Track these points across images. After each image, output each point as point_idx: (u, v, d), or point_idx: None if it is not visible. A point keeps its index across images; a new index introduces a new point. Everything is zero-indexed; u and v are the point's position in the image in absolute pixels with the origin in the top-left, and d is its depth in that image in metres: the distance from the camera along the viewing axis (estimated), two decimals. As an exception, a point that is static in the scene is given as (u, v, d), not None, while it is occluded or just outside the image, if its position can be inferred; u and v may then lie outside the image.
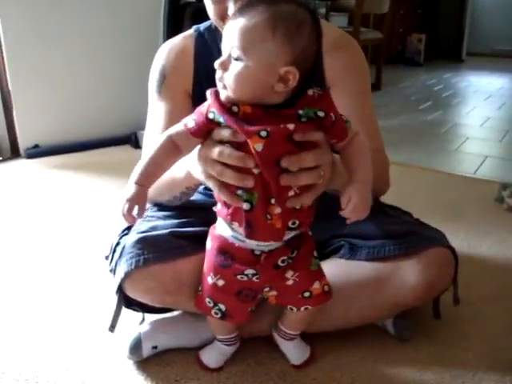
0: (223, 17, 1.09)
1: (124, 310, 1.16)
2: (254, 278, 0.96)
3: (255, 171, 0.84)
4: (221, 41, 1.12)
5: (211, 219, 1.07)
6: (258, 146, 0.81)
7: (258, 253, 0.95)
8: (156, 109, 1.27)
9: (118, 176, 2.31)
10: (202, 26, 1.30)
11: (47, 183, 2.30)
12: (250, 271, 0.96)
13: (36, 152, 2.66)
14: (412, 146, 2.97)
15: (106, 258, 1.21)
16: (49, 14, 2.61)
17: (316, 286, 1.02)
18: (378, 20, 4.90)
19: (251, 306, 1.04)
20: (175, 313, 1.23)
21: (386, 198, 1.38)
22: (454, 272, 1.18)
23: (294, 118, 0.82)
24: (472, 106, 4.25)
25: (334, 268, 1.14)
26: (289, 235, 0.94)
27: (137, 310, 1.20)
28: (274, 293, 1.02)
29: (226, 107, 0.83)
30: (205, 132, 0.87)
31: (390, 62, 5.87)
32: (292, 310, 1.05)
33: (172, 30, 2.67)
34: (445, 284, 1.18)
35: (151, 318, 1.22)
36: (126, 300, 1.14)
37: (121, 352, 1.17)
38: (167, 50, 1.29)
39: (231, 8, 1.06)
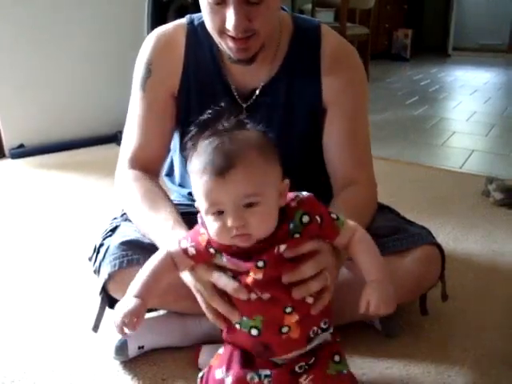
0: (221, 31, 1.05)
1: (109, 310, 1.15)
2: (266, 381, 0.89)
3: (252, 298, 0.84)
4: (213, 39, 1.10)
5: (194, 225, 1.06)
6: (258, 276, 0.83)
7: (280, 363, 0.91)
8: (138, 107, 1.22)
9: (103, 175, 2.30)
10: (196, 17, 1.21)
11: (32, 183, 2.28)
12: (264, 372, 0.89)
13: (21, 152, 2.64)
14: (399, 140, 2.97)
15: (90, 259, 1.20)
16: (33, 14, 2.59)
17: None
18: (364, 15, 4.90)
19: None
20: (161, 312, 1.22)
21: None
22: (441, 268, 1.18)
23: (286, 235, 0.83)
24: (458, 100, 4.27)
25: None
26: (315, 341, 0.91)
27: (121, 311, 1.19)
28: None
29: (225, 246, 0.84)
30: (205, 260, 0.89)
31: (377, 58, 5.88)
32: None
33: (156, 27, 2.65)
34: (432, 281, 1.18)
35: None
36: (110, 300, 1.12)
37: (107, 352, 1.16)
38: (154, 40, 1.21)
39: (230, 19, 1.00)
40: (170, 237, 1.00)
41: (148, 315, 1.21)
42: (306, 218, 0.84)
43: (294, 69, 1.20)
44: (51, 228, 1.83)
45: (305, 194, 0.87)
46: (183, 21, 1.23)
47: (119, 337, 1.13)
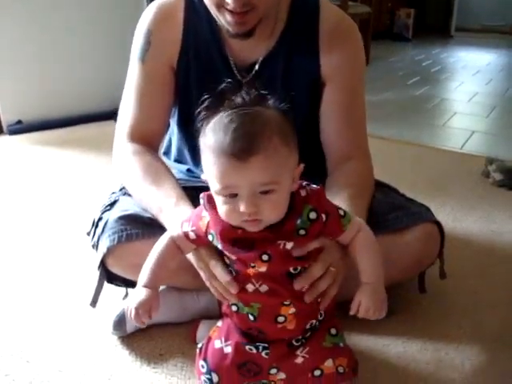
0: (220, 5, 1.03)
1: (107, 285, 1.15)
2: (264, 353, 0.90)
3: (250, 289, 0.85)
4: (210, 14, 1.09)
5: (195, 199, 1.05)
6: (262, 269, 0.82)
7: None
8: (137, 80, 1.20)
9: (102, 151, 2.28)
10: None
11: (30, 159, 2.27)
12: (262, 344, 0.89)
13: (19, 128, 2.62)
14: (399, 120, 2.96)
15: (88, 234, 1.20)
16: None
17: (328, 364, 0.90)
18: (366, -6, 4.84)
19: (249, 383, 0.93)
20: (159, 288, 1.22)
21: (374, 171, 1.37)
22: (441, 246, 1.18)
23: (292, 230, 0.82)
24: (460, 81, 4.23)
25: None
26: (308, 324, 0.91)
27: (119, 285, 1.19)
28: (282, 375, 0.91)
29: (227, 232, 0.82)
30: (204, 243, 0.89)
31: (379, 37, 5.83)
32: None
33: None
34: (431, 259, 1.18)
35: (135, 293, 1.21)
36: (108, 275, 1.13)
37: (105, 327, 1.16)
38: (154, 11, 1.19)
39: None
40: (173, 214, 1.00)
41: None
42: (313, 215, 0.83)
43: (292, 43, 1.18)
44: (50, 204, 1.82)
45: (315, 186, 0.86)
46: None
47: (117, 312, 1.13)
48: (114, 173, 1.22)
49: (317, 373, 0.90)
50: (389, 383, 1.03)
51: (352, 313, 0.87)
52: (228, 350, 0.90)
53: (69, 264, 1.44)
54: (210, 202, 0.83)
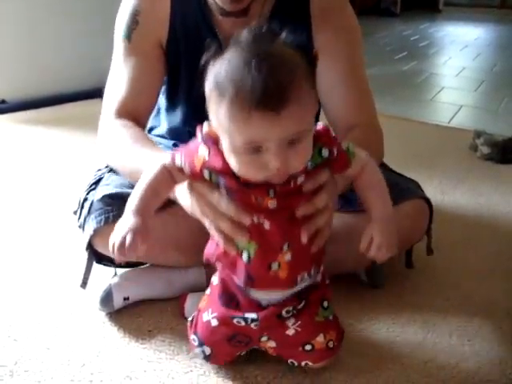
0: None
1: (96, 265, 1.14)
2: (253, 325, 0.87)
3: (254, 220, 0.79)
4: None
5: None
6: (271, 203, 0.77)
7: (264, 305, 0.88)
8: (123, 59, 1.17)
9: (88, 130, 2.25)
10: None
11: (16, 139, 2.24)
12: (251, 316, 0.87)
13: (3, 108, 2.57)
14: (387, 96, 2.95)
15: (75, 213, 1.19)
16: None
17: (319, 339, 0.90)
18: (353, -32, 4.79)
19: (241, 351, 0.94)
20: (147, 264, 1.22)
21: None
22: (429, 222, 1.18)
23: (303, 171, 0.77)
24: (448, 56, 4.23)
25: None
26: (302, 284, 0.87)
27: (108, 265, 1.18)
28: (273, 344, 0.91)
29: (229, 171, 0.76)
30: (200, 178, 0.81)
31: (365, 13, 5.78)
32: (293, 364, 0.94)
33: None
34: (419, 235, 1.18)
35: (123, 271, 1.21)
36: (96, 255, 1.12)
37: (92, 304, 1.15)
38: None
39: None
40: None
41: (133, 268, 1.20)
42: (325, 152, 0.78)
43: (282, 20, 1.15)
44: (36, 184, 1.80)
45: (320, 124, 0.81)
46: None
47: (104, 288, 1.12)
48: (99, 148, 1.20)
49: (308, 347, 0.90)
50: (377, 354, 1.04)
51: (362, 249, 0.82)
52: (215, 322, 0.89)
53: (56, 243, 1.43)
54: (210, 137, 0.77)
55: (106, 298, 1.12)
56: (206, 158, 0.78)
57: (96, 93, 2.75)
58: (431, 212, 1.18)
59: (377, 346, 1.07)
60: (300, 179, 0.77)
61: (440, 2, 7.23)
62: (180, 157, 0.81)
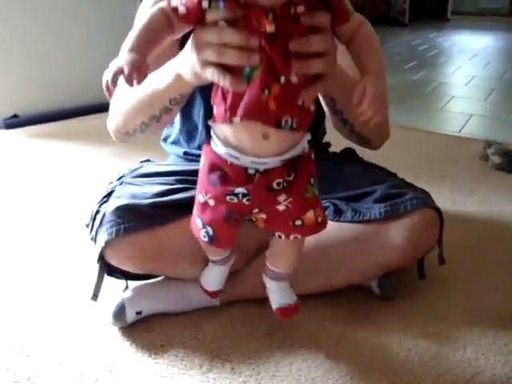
0: None
1: (107, 278, 1.15)
2: (245, 200, 0.87)
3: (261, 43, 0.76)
4: None
5: (190, 183, 1.09)
6: (270, 27, 0.74)
7: (251, 172, 0.85)
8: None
9: (99, 143, 2.28)
10: None
11: (27, 153, 2.26)
12: (240, 190, 0.86)
13: (15, 122, 2.61)
14: (397, 105, 2.94)
15: (87, 226, 1.19)
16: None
17: (309, 214, 0.91)
18: (361, -21, 4.82)
19: (238, 229, 0.95)
20: (159, 278, 1.22)
21: (372, 158, 1.37)
22: (440, 232, 1.17)
23: None
24: (457, 65, 4.22)
25: None
26: (285, 148, 0.84)
27: (120, 278, 1.19)
28: (263, 216, 0.92)
29: None
30: (196, 18, 0.77)
31: (375, 23, 5.76)
32: (280, 237, 0.94)
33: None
34: (430, 245, 1.18)
35: (135, 284, 1.21)
36: (108, 268, 1.13)
37: (105, 319, 1.16)
38: None
39: None
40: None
41: (145, 281, 1.21)
42: None
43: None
44: (48, 197, 1.81)
45: None
46: None
47: (117, 302, 1.13)
48: (111, 128, 1.20)
49: (298, 222, 0.91)
50: (390, 367, 1.03)
51: (356, 100, 0.79)
52: (211, 202, 0.90)
53: (68, 256, 1.44)
54: None
55: (119, 313, 1.12)
56: None
57: (106, 106, 2.78)
58: (442, 222, 1.17)
59: (389, 359, 1.06)
60: (300, 8, 0.75)
61: (448, 10, 7.24)
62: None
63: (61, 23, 2.70)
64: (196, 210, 0.95)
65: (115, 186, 1.20)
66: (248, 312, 1.18)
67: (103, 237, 1.07)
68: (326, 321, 1.16)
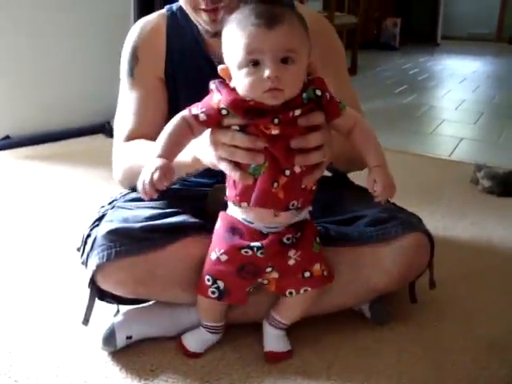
0: (195, 7, 1.13)
1: (98, 302, 1.14)
2: (259, 253, 0.99)
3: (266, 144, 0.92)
4: (192, 21, 1.18)
5: (184, 207, 1.14)
6: (275, 131, 0.90)
7: (265, 232, 0.99)
8: (129, 94, 1.27)
9: (91, 166, 2.28)
10: (175, 5, 1.28)
11: (19, 175, 2.25)
12: (256, 244, 0.98)
13: (7, 143, 2.60)
14: (388, 129, 2.97)
15: (78, 249, 1.19)
16: (18, 4, 2.55)
17: (316, 267, 1.04)
18: (353, 4, 4.89)
19: (250, 286, 1.04)
20: (150, 302, 1.21)
21: (364, 180, 1.37)
22: (430, 256, 1.18)
23: (299, 102, 0.90)
24: (447, 88, 4.27)
25: None
26: (293, 219, 1.00)
27: (111, 302, 1.18)
28: (276, 275, 1.03)
29: (240, 103, 0.90)
30: (215, 123, 0.94)
31: (366, 47, 5.87)
32: (291, 294, 1.05)
33: (143, 15, 2.63)
34: (421, 269, 1.18)
35: (126, 308, 1.20)
36: (99, 292, 1.12)
37: (95, 343, 1.15)
38: (139, 29, 1.28)
39: None
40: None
41: (136, 306, 1.20)
42: (318, 92, 0.92)
43: None
44: (40, 220, 1.81)
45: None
46: (163, 10, 1.30)
47: (107, 327, 1.12)
48: (116, 173, 1.28)
49: (307, 274, 1.03)
50: (382, 394, 1.03)
51: (371, 190, 0.95)
52: (224, 257, 1.00)
53: (58, 281, 1.42)
54: (222, 83, 0.93)
55: (109, 337, 1.11)
56: (221, 98, 0.91)
57: (99, 129, 2.79)
58: (432, 246, 1.18)
59: (382, 385, 1.05)
60: (297, 112, 0.90)
61: (438, 35, 7.34)
62: (197, 107, 0.94)
63: (53, 46, 2.71)
64: (206, 268, 1.03)
65: (107, 210, 1.20)
66: (239, 337, 1.17)
67: (94, 260, 1.07)
68: (317, 345, 1.16)
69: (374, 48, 6.36)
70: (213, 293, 1.02)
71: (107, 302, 1.17)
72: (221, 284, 1.01)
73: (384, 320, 1.23)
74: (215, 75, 1.01)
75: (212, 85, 0.94)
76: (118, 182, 1.30)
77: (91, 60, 2.83)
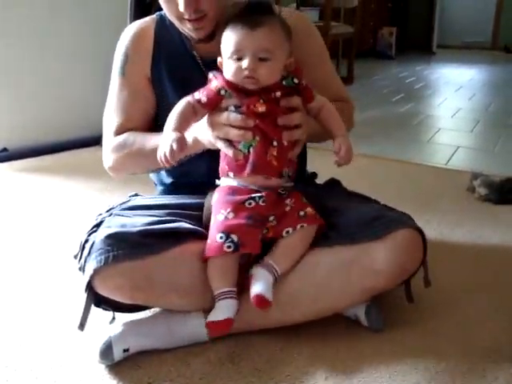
0: (179, 17, 1.18)
1: (94, 309, 1.13)
2: (261, 201, 1.12)
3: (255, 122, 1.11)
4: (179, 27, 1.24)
5: (179, 216, 1.16)
6: (262, 108, 1.10)
7: (261, 190, 1.13)
8: (118, 91, 1.33)
9: (87, 178, 2.28)
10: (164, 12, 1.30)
11: (16, 187, 2.25)
12: (257, 194, 1.12)
13: (4, 156, 2.60)
14: (385, 137, 2.98)
15: (75, 257, 1.19)
16: (12, 14, 2.56)
17: (309, 209, 1.17)
18: (349, 14, 4.91)
19: (261, 232, 1.13)
20: (147, 312, 1.21)
21: (360, 189, 1.39)
22: (423, 253, 1.18)
23: (279, 86, 1.12)
24: (443, 97, 4.29)
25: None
26: (283, 183, 1.17)
27: (107, 309, 1.18)
28: (274, 223, 1.15)
29: (234, 86, 1.11)
30: (214, 104, 1.12)
31: (362, 56, 5.90)
32: (288, 233, 1.14)
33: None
34: (414, 265, 1.17)
35: (122, 317, 1.20)
36: (95, 298, 1.12)
37: (92, 356, 1.14)
38: (130, 32, 1.34)
39: (180, 2, 1.14)
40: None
41: (133, 317, 1.20)
42: (296, 80, 1.13)
43: None
44: (36, 231, 1.81)
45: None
46: (154, 15, 1.36)
47: (104, 340, 1.12)
48: (106, 165, 1.36)
49: (301, 213, 1.16)
50: (380, 404, 1.02)
51: (336, 150, 1.13)
52: (231, 215, 1.11)
53: (56, 289, 1.42)
54: (218, 72, 1.13)
55: (106, 351, 1.11)
56: (219, 82, 1.12)
57: (95, 141, 2.79)
58: (425, 242, 1.18)
59: (379, 395, 1.05)
60: (278, 93, 1.11)
61: (433, 44, 7.39)
62: (199, 92, 1.12)
63: (51, 59, 2.72)
64: (217, 227, 1.10)
65: (104, 217, 1.21)
66: (236, 348, 1.17)
67: (92, 264, 1.07)
68: (314, 355, 1.16)
69: (370, 57, 6.39)
70: (229, 247, 1.07)
71: (103, 308, 1.17)
72: (234, 237, 1.08)
73: (379, 327, 1.23)
74: (200, 75, 1.20)
75: (210, 74, 1.14)
76: (107, 168, 1.37)
77: (88, 73, 2.84)
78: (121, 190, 2.12)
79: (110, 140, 1.33)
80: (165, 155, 1.03)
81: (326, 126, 1.17)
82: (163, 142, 1.05)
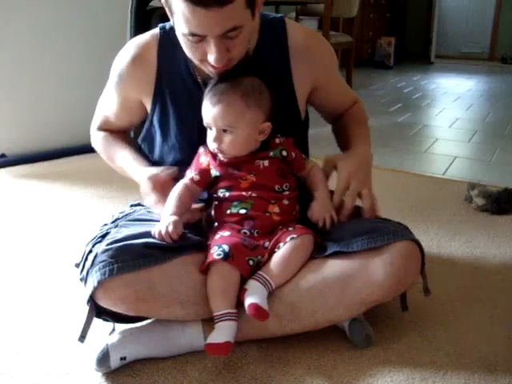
0: (201, 60, 1.12)
1: (94, 320, 1.13)
2: (255, 233, 1.19)
3: (245, 194, 1.20)
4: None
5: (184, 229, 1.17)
6: (247, 184, 1.20)
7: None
8: (110, 95, 1.35)
9: (85, 184, 2.29)
10: (168, 24, 1.27)
11: (15, 193, 2.25)
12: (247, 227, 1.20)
13: (2, 161, 2.61)
14: (382, 147, 2.99)
15: (77, 265, 1.19)
16: (10, 20, 2.57)
17: (298, 225, 1.22)
18: (347, 24, 4.93)
19: (250, 256, 1.15)
20: (144, 322, 1.21)
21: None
22: (421, 264, 1.18)
23: (267, 157, 1.22)
24: (441, 107, 4.31)
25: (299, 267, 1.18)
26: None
27: (107, 320, 1.18)
28: (268, 244, 1.19)
29: (222, 163, 1.21)
30: (207, 183, 1.24)
31: (361, 66, 5.93)
32: (279, 248, 1.17)
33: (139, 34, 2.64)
34: (412, 277, 1.18)
35: (121, 328, 1.20)
36: (96, 309, 1.11)
37: (89, 364, 1.14)
38: (129, 53, 1.27)
39: (211, 53, 1.08)
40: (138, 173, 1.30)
41: (130, 326, 1.20)
42: (284, 153, 1.23)
43: (264, 60, 1.26)
44: (34, 237, 1.80)
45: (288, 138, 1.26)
46: (156, 30, 1.29)
47: (101, 348, 1.11)
48: (93, 145, 1.47)
49: (290, 228, 1.20)
50: (377, 414, 1.02)
51: (309, 215, 1.24)
52: (227, 233, 1.18)
53: (54, 299, 1.42)
54: (206, 150, 1.23)
55: (103, 358, 1.10)
56: (208, 161, 1.23)
57: (93, 148, 2.79)
58: (422, 253, 1.18)
59: (376, 406, 1.05)
60: (265, 163, 1.21)
61: (431, 54, 7.42)
62: (190, 171, 1.24)
63: (49, 66, 2.73)
64: (213, 243, 1.16)
65: (110, 229, 1.21)
66: (233, 357, 1.17)
67: (95, 277, 1.07)
68: (312, 366, 1.16)
69: (368, 66, 6.42)
70: (218, 255, 1.11)
71: (104, 319, 1.17)
72: (225, 247, 1.13)
73: (360, 343, 1.21)
74: (201, 96, 1.19)
75: (201, 149, 1.25)
76: (91, 136, 1.47)
77: (86, 80, 2.84)
78: (120, 197, 2.13)
79: (93, 132, 1.45)
80: (160, 233, 1.12)
81: (311, 186, 1.27)
82: (161, 223, 1.14)
